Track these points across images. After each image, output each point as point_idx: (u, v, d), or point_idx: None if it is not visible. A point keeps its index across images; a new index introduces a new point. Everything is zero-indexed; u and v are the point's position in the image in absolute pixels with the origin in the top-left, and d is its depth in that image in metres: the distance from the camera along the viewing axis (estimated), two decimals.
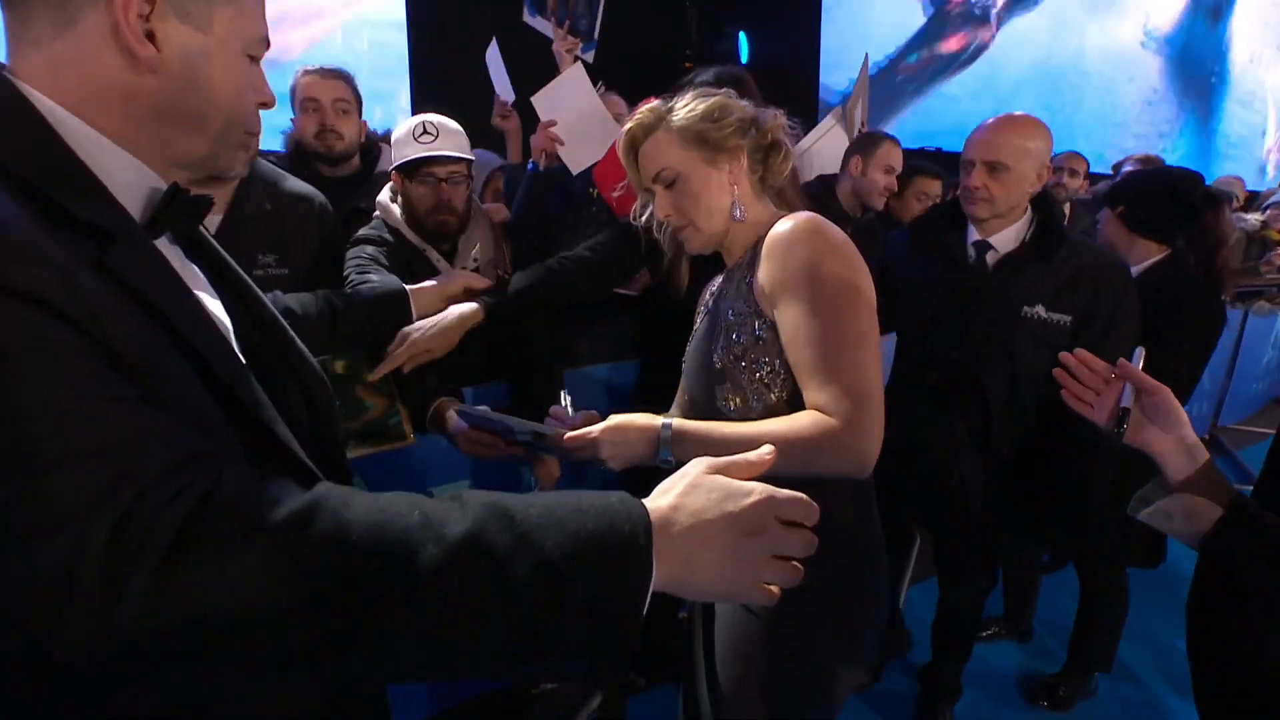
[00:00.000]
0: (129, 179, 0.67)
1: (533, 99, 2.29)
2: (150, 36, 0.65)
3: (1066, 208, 3.67)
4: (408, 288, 1.59)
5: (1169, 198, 2.08)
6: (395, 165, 1.78)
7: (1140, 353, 1.19)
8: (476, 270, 1.82)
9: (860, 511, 1.21)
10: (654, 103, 1.25)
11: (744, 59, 5.83)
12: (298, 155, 2.20)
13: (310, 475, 0.72)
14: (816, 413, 1.06)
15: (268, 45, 0.75)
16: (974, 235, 1.91)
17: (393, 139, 1.81)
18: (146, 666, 0.51)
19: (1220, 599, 1.04)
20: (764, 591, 0.64)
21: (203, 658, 0.52)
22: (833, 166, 2.88)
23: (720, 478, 0.66)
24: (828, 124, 3.05)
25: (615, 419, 1.14)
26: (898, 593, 2.56)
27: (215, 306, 0.75)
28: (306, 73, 2.12)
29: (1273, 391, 5.51)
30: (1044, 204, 1.89)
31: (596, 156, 2.11)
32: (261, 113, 0.79)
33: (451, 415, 1.53)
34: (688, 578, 0.62)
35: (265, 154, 2.22)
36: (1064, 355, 1.22)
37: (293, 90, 2.13)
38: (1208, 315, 2.07)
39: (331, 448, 0.88)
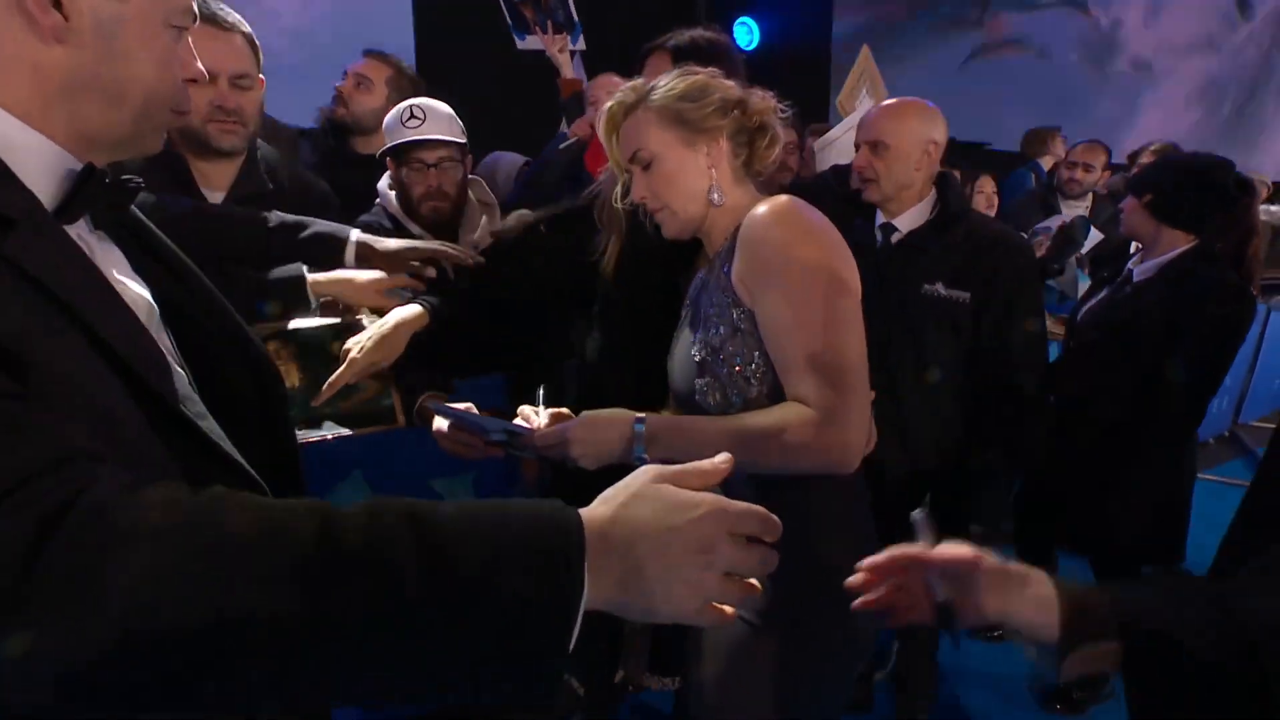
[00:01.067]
0: (39, 160, 0.63)
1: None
2: (56, 4, 0.60)
3: (1088, 199, 3.63)
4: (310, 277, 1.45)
5: (1200, 185, 2.01)
6: (382, 151, 1.79)
7: (921, 515, 0.91)
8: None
9: (850, 506, 1.16)
10: (636, 81, 1.21)
11: (751, 45, 5.96)
12: (333, 130, 2.28)
13: (235, 468, 0.68)
14: (797, 404, 1.01)
15: (194, 17, 0.70)
16: (880, 218, 1.93)
17: (384, 125, 1.83)
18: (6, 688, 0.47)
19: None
20: (714, 613, 0.58)
21: (62, 684, 0.47)
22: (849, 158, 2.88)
23: (668, 488, 0.60)
24: (852, 119, 2.95)
25: (587, 415, 1.10)
26: None
27: (140, 291, 0.72)
28: (368, 53, 2.29)
29: None
30: (943, 184, 1.89)
31: None
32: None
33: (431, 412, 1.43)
34: (627, 597, 0.56)
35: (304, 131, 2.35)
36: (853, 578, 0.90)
37: (346, 71, 2.25)
38: (1238, 305, 1.97)
39: (279, 427, 0.85)
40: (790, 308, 1.04)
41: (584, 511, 0.58)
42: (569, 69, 2.60)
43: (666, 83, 1.16)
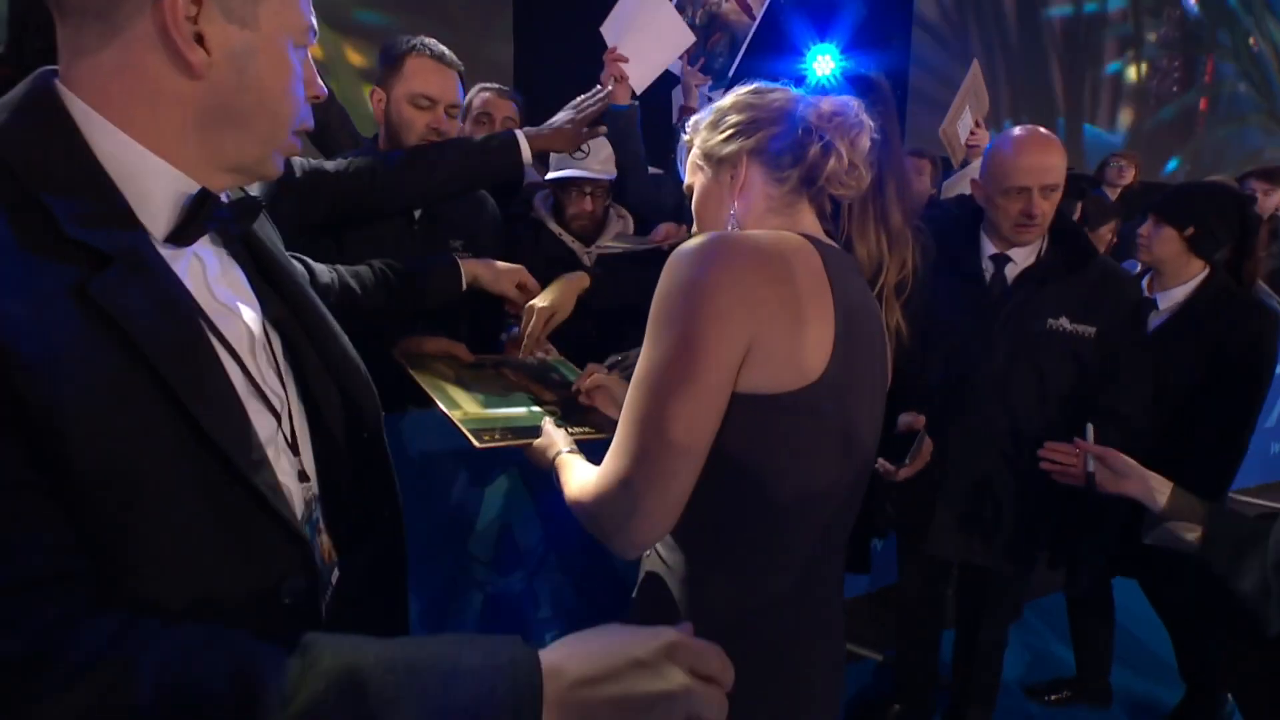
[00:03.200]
0: (164, 188, 0.65)
1: (601, 28, 2.31)
2: (199, 39, 0.62)
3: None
4: (456, 257, 1.59)
5: (1240, 220, 2.02)
6: (550, 177, 2.07)
7: (1090, 429, 1.54)
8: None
9: (798, 592, 1.01)
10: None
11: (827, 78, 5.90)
12: None
13: (279, 521, 0.69)
14: (589, 476, 0.94)
15: (315, 33, 0.71)
16: (990, 249, 1.85)
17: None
18: None
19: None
20: None
21: None
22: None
23: (623, 628, 0.61)
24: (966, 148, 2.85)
25: (549, 427, 1.18)
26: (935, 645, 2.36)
27: (249, 314, 0.74)
28: (484, 89, 2.33)
29: None
30: (1058, 217, 1.82)
31: (662, 66, 2.18)
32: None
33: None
34: None
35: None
36: (1043, 449, 1.58)
37: (467, 104, 2.30)
38: (1275, 330, 1.98)
39: (372, 446, 0.86)
40: (641, 363, 0.89)
41: (543, 653, 0.58)
42: (694, 100, 2.68)
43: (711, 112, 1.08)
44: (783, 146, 1.00)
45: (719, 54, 2.60)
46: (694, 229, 1.11)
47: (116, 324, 0.58)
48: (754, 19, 2.55)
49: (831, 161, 0.98)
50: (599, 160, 2.06)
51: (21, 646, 0.51)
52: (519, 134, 1.65)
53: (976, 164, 2.60)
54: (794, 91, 1.04)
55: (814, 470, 0.93)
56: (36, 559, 0.54)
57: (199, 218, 0.66)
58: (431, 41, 1.72)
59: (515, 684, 0.55)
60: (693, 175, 1.09)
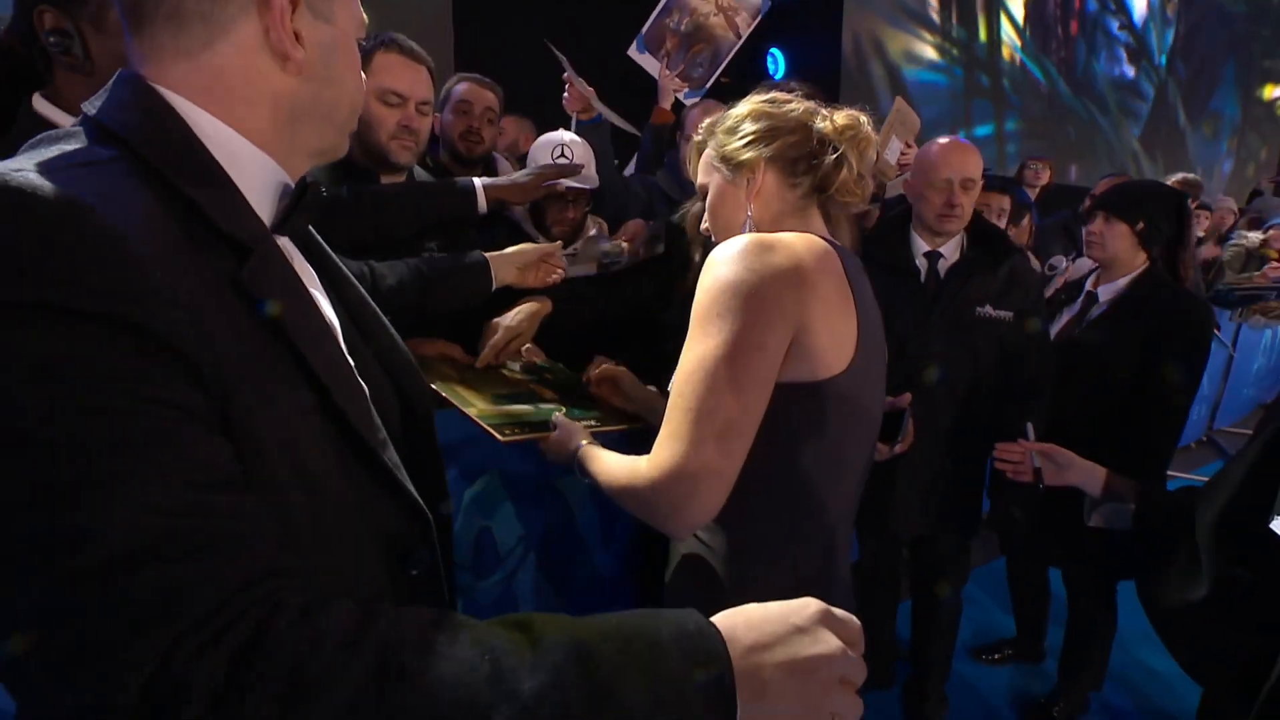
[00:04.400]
0: (265, 179, 0.68)
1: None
2: (296, 37, 0.65)
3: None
4: (488, 255, 1.58)
5: (1176, 213, 2.15)
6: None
7: (1030, 427, 1.79)
8: (574, 253, 1.95)
9: (820, 571, 1.08)
10: (717, 115, 1.20)
11: (779, 75, 6.12)
12: (430, 150, 2.29)
13: (404, 497, 0.71)
14: (641, 463, 0.97)
15: (365, 25, 0.75)
16: (923, 246, 2.03)
17: (531, 152, 2.00)
18: None
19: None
20: None
21: None
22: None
23: (771, 603, 0.63)
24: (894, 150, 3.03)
25: (563, 420, 1.23)
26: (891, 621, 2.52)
27: (329, 310, 0.76)
28: (464, 78, 2.26)
29: (1262, 397, 5.71)
30: (975, 215, 2.05)
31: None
32: None
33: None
34: (758, 712, 0.57)
35: None
36: (996, 450, 1.79)
37: (447, 92, 2.24)
38: (1209, 316, 2.13)
39: (427, 436, 0.88)
40: (687, 355, 0.95)
41: (719, 622, 0.60)
42: (668, 101, 2.65)
43: (726, 117, 1.15)
44: (798, 156, 1.07)
45: (700, 64, 2.66)
46: (704, 225, 1.18)
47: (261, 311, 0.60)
48: (739, 35, 2.63)
49: (843, 172, 1.07)
50: (583, 172, 2.04)
51: (293, 623, 0.51)
52: (477, 183, 1.71)
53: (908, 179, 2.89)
54: (808, 103, 1.11)
55: (842, 452, 1.03)
56: (270, 549, 0.55)
57: (299, 207, 0.69)
58: (400, 37, 1.67)
59: (709, 653, 0.57)
60: (707, 175, 1.15)
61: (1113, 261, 2.15)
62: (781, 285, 0.94)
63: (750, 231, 1.06)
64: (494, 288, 1.55)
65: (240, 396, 0.56)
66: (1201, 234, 4.39)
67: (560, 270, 1.68)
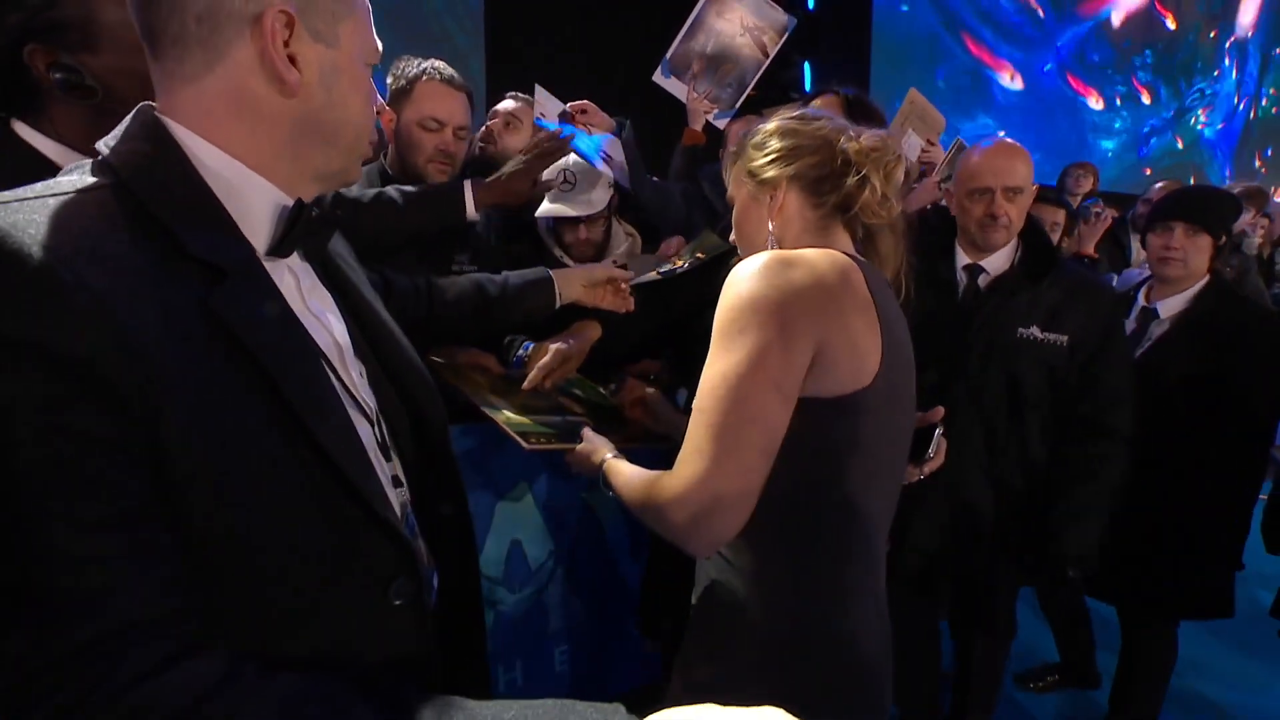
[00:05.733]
0: (263, 202, 0.69)
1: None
2: (291, 60, 0.67)
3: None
4: (552, 273, 1.57)
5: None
6: (537, 216, 1.97)
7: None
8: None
9: (861, 582, 1.05)
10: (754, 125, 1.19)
11: (807, 87, 6.08)
12: (480, 164, 2.31)
13: (378, 521, 0.70)
14: (663, 478, 0.97)
15: (379, 53, 0.77)
16: (963, 259, 1.93)
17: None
18: None
19: None
20: None
21: None
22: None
23: (720, 708, 0.58)
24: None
25: (590, 434, 1.25)
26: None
27: (338, 327, 0.78)
28: (513, 97, 2.41)
29: None
30: (1030, 227, 1.90)
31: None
32: None
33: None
34: None
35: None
36: None
37: (497, 108, 2.36)
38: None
39: (442, 450, 0.89)
40: (707, 372, 0.96)
41: None
42: (699, 122, 2.65)
43: (756, 131, 1.15)
44: (821, 176, 1.07)
45: (728, 84, 2.66)
46: (733, 237, 1.19)
47: (235, 336, 0.62)
48: (766, 56, 2.62)
49: (865, 193, 1.06)
50: (584, 196, 1.96)
51: (121, 689, 0.52)
52: (466, 186, 1.65)
53: (931, 179, 2.83)
54: (837, 122, 1.11)
55: (870, 465, 1.02)
56: (147, 594, 0.56)
57: (296, 229, 0.71)
58: (441, 65, 1.77)
59: None
60: (736, 188, 1.15)
61: (1190, 277, 2.02)
62: (802, 301, 0.94)
63: (772, 248, 1.06)
64: (559, 304, 1.54)
65: (175, 419, 0.57)
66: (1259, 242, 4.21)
67: (629, 299, 1.62)
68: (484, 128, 2.31)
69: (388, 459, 0.80)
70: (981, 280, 1.90)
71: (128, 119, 0.67)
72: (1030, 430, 1.83)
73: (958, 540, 1.90)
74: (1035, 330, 1.80)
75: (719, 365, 0.94)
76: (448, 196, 1.65)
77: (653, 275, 1.84)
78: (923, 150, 2.84)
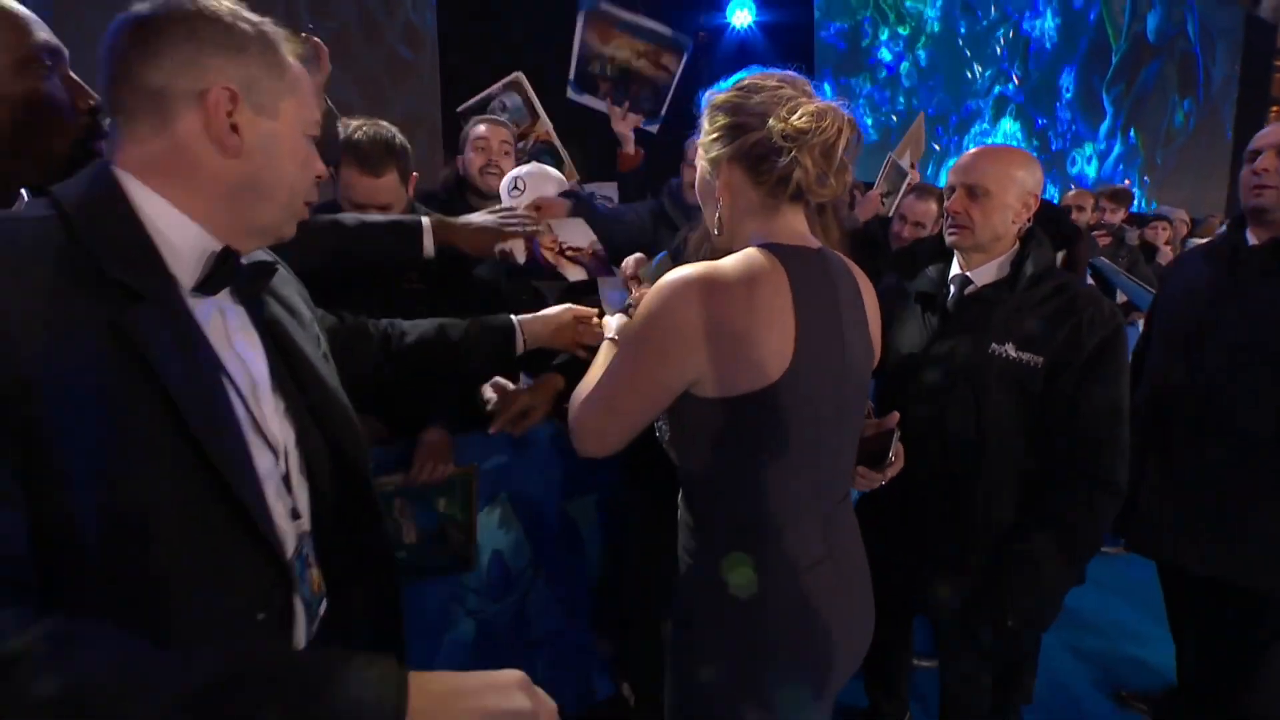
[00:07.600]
0: (192, 246, 0.78)
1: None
2: (234, 129, 0.78)
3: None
4: (515, 319, 1.54)
5: None
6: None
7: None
8: (569, 255, 2.00)
9: (819, 553, 1.12)
10: None
11: (754, 17, 6.33)
12: (456, 188, 2.55)
13: (267, 551, 0.79)
14: (574, 401, 1.17)
15: (319, 127, 0.89)
16: (956, 269, 1.81)
17: (500, 189, 2.08)
18: None
19: None
20: None
21: None
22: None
23: (484, 675, 0.70)
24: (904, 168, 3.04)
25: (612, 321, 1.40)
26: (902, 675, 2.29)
27: (254, 361, 0.85)
28: (479, 120, 2.56)
29: None
30: (1030, 240, 1.75)
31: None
32: None
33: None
34: None
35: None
36: None
37: (464, 135, 2.55)
38: None
39: (359, 485, 0.98)
40: (622, 342, 1.15)
41: (411, 674, 0.66)
42: (631, 145, 2.68)
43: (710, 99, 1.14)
44: (760, 155, 1.05)
45: (644, 98, 2.65)
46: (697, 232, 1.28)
47: (139, 352, 0.69)
48: (671, 73, 2.60)
49: (797, 173, 1.03)
50: (535, 190, 2.00)
51: None
52: (425, 222, 1.60)
53: (873, 193, 2.85)
54: (784, 90, 1.05)
55: (791, 449, 1.08)
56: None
57: (219, 273, 0.80)
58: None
59: (383, 690, 0.64)
60: (698, 162, 1.15)
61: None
62: (686, 329, 1.02)
63: (714, 229, 1.14)
64: (522, 350, 1.52)
65: (54, 419, 0.64)
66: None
67: (600, 335, 1.53)
68: (487, 161, 2.42)
69: (289, 490, 0.87)
70: (968, 291, 1.77)
71: (88, 169, 0.78)
72: (992, 451, 1.66)
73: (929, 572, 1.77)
74: (1009, 348, 1.65)
75: (623, 353, 1.11)
76: (406, 232, 1.61)
77: (621, 316, 1.81)
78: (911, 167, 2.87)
